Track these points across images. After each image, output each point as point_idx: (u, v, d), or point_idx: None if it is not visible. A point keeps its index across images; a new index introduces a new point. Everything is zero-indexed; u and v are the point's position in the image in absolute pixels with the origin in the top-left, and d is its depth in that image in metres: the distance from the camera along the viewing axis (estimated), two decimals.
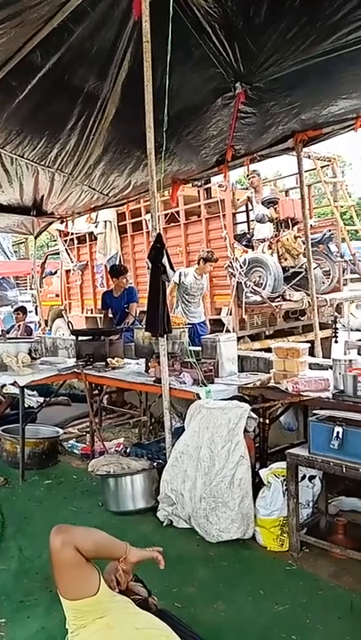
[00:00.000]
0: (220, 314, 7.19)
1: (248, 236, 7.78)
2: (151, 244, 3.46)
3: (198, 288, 6.04)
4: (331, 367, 3.25)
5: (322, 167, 7.69)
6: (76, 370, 4.66)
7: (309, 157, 7.33)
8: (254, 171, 7.43)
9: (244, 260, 6.81)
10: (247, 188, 8.61)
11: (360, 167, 32.96)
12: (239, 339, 6.59)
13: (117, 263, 8.27)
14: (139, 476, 3.44)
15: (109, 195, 6.08)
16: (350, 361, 3.05)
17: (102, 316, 6.73)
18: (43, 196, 6.19)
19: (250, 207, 8.05)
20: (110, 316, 6.24)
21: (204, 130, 4.35)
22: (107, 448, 4.48)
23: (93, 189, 5.77)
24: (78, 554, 1.60)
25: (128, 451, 4.15)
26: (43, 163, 4.82)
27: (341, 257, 7.48)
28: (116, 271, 6.28)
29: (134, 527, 3.27)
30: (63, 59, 3.29)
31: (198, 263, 5.95)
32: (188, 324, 5.70)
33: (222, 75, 3.53)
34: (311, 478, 3.02)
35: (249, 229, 8.17)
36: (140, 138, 3.32)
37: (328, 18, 2.84)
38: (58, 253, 11.29)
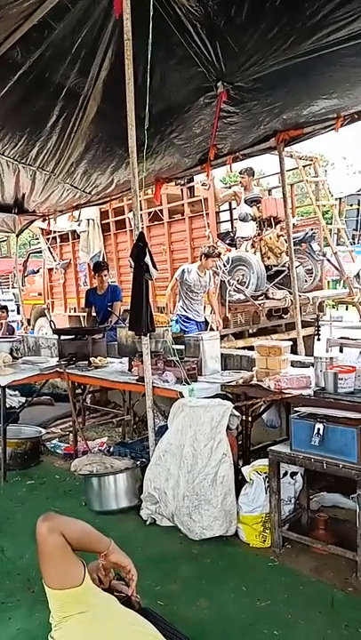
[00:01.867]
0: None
1: (231, 234, 7.81)
2: (134, 242, 3.46)
3: (202, 285, 5.78)
4: (312, 365, 3.28)
5: (304, 166, 7.75)
6: (58, 369, 4.63)
7: (292, 157, 7.38)
8: (247, 169, 7.46)
9: (228, 258, 6.83)
10: (230, 187, 8.64)
11: (342, 167, 33.29)
12: (223, 337, 6.61)
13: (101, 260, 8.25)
14: (122, 475, 3.44)
15: (92, 193, 6.05)
16: (331, 358, 3.09)
17: (86, 314, 6.70)
18: (24, 195, 6.13)
19: (233, 206, 8.08)
20: (94, 314, 6.22)
21: (187, 128, 4.35)
22: (90, 447, 4.47)
23: (76, 188, 5.73)
24: (65, 541, 1.61)
25: (111, 450, 4.14)
26: (24, 161, 4.77)
27: (323, 255, 7.55)
28: (96, 266, 6.28)
29: (117, 526, 3.26)
30: (44, 56, 3.25)
31: (200, 259, 5.72)
32: (193, 320, 5.70)
33: (204, 74, 3.53)
34: (293, 475, 3.05)
35: (232, 228, 8.21)
36: (123, 136, 3.31)
37: (308, 19, 2.86)
38: (40, 252, 11.19)
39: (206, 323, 6.00)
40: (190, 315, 5.77)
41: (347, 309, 11.99)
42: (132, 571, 1.85)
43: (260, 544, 2.94)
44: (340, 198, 13.64)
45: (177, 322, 5.68)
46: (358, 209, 15.19)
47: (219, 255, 5.98)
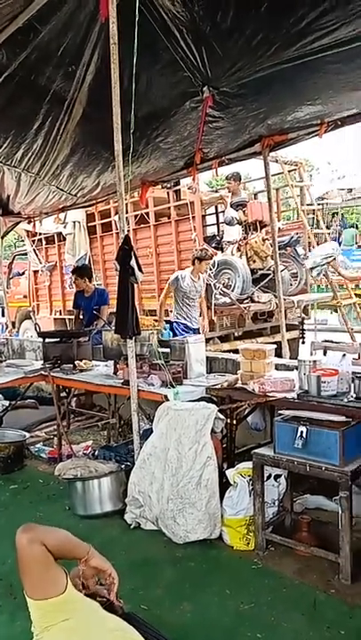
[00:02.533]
0: None
1: (218, 238, 7.84)
2: (119, 245, 3.46)
3: (197, 291, 5.71)
4: (296, 368, 3.31)
5: (289, 171, 7.82)
6: (42, 372, 4.61)
7: (277, 161, 7.45)
8: (234, 174, 7.50)
9: (214, 262, 6.85)
10: (216, 191, 8.68)
11: (327, 172, 33.69)
12: (209, 340, 6.63)
13: (87, 264, 8.20)
14: (106, 478, 3.43)
15: (78, 195, 6.03)
16: (314, 361, 3.12)
17: (74, 316, 6.67)
18: (9, 196, 6.09)
19: (220, 209, 8.12)
20: (82, 317, 6.20)
21: (173, 132, 4.37)
22: (74, 451, 4.44)
23: (61, 190, 5.71)
24: (46, 550, 1.59)
25: (96, 453, 4.13)
26: (8, 163, 4.75)
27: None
28: (76, 270, 6.30)
29: (101, 531, 3.25)
30: (29, 59, 3.25)
31: (193, 264, 5.62)
32: (190, 328, 5.60)
33: (190, 78, 3.55)
34: (277, 477, 3.07)
35: (219, 232, 8.24)
36: (109, 139, 3.31)
37: (293, 26, 2.89)
38: (26, 254, 11.11)
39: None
40: (188, 322, 5.66)
41: (331, 313, 12.10)
42: (113, 574, 1.84)
43: (243, 547, 2.95)
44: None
45: (174, 330, 5.52)
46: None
47: (211, 257, 5.92)
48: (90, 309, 5.92)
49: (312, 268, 6.86)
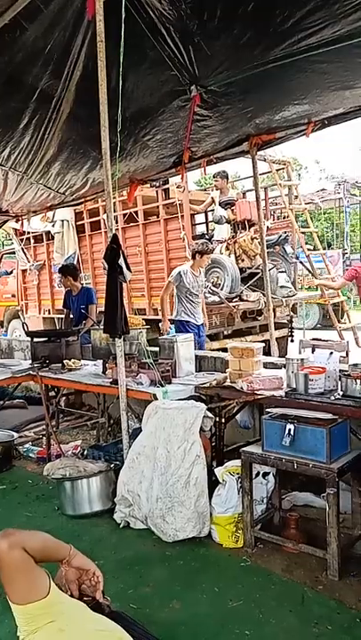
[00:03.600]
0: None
1: (207, 237, 7.85)
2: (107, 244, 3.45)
3: (199, 285, 5.55)
4: (285, 366, 3.33)
5: (277, 170, 7.85)
6: (31, 372, 4.58)
7: (265, 160, 7.47)
8: (220, 172, 7.51)
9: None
10: (205, 190, 8.69)
11: (315, 171, 33.91)
12: None
13: (73, 263, 8.16)
14: (95, 478, 3.42)
15: (66, 194, 6.00)
16: (302, 360, 3.14)
17: (64, 315, 6.65)
18: None
19: (209, 208, 8.13)
20: (72, 316, 6.18)
21: (161, 131, 4.36)
22: (63, 451, 4.42)
23: (49, 188, 5.68)
24: (26, 555, 1.58)
25: (85, 453, 4.12)
26: None
27: (297, 258, 7.66)
28: (60, 270, 6.29)
29: (90, 530, 3.25)
30: (16, 57, 3.22)
31: (193, 258, 5.47)
32: (195, 325, 5.46)
33: (178, 77, 3.55)
34: (265, 475, 3.08)
35: (208, 230, 8.25)
36: (96, 138, 3.30)
37: (279, 25, 2.90)
38: (14, 252, 11.04)
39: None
40: (192, 319, 5.50)
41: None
42: (97, 573, 1.83)
43: (232, 544, 2.96)
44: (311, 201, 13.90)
45: (180, 329, 5.41)
46: None
47: (212, 251, 5.79)
48: (77, 308, 5.91)
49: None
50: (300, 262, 7.83)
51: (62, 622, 1.58)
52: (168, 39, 3.15)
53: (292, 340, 7.46)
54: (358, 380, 2.82)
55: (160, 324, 5.79)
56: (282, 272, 7.33)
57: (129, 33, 2.91)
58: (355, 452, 2.79)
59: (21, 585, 1.58)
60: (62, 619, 1.60)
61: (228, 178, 7.74)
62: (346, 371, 2.97)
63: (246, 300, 6.88)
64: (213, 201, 7.66)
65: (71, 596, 1.75)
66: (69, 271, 6.09)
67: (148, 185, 6.56)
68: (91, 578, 1.82)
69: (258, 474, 3.05)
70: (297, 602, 2.44)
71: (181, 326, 5.49)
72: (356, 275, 6.15)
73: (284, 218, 8.23)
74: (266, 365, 3.83)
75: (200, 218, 8.73)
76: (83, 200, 6.55)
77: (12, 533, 1.65)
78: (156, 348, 4.23)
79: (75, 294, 6.03)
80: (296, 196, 8.15)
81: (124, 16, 2.77)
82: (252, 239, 7.08)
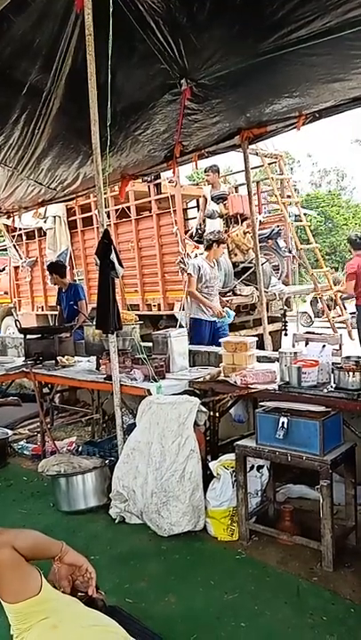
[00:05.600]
0: (172, 309, 7.23)
1: (199, 231, 7.84)
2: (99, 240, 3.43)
3: (215, 278, 5.41)
4: (278, 360, 3.34)
5: (269, 164, 7.84)
6: (24, 369, 4.56)
7: (257, 154, 7.46)
8: (212, 166, 7.48)
9: (196, 255, 6.86)
10: (197, 184, 8.66)
11: (308, 164, 33.90)
12: None
13: (60, 260, 8.12)
14: (90, 474, 3.42)
15: (57, 189, 5.97)
16: (295, 353, 3.14)
17: (57, 312, 6.65)
18: None
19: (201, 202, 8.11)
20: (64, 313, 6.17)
21: (152, 125, 4.34)
22: (58, 447, 4.42)
23: (40, 184, 5.64)
24: (17, 554, 1.58)
25: (80, 449, 4.11)
26: None
27: (289, 252, 7.67)
28: (48, 267, 6.28)
29: (86, 526, 3.25)
30: (4, 51, 3.19)
31: (208, 249, 5.34)
32: (206, 321, 5.28)
33: (168, 71, 3.53)
34: (259, 468, 3.09)
35: (200, 225, 8.23)
36: (87, 132, 3.28)
37: (269, 17, 2.89)
38: (5, 249, 10.97)
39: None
40: (204, 316, 5.30)
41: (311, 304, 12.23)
42: (89, 568, 1.83)
43: (228, 538, 2.98)
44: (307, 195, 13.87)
45: (193, 327, 5.24)
46: None
47: (226, 240, 5.64)
48: (67, 305, 5.90)
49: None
50: (294, 256, 7.84)
51: (55, 619, 1.58)
52: (157, 32, 3.13)
53: (285, 334, 7.47)
54: (351, 373, 2.83)
55: (210, 314, 5.31)
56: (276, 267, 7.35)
57: (118, 26, 2.89)
58: (348, 444, 2.80)
59: (12, 583, 1.57)
60: (55, 615, 1.59)
61: (219, 172, 7.72)
62: (338, 363, 2.98)
63: (240, 295, 6.88)
64: (206, 199, 7.64)
65: (64, 592, 1.75)
66: (55, 268, 6.09)
67: (140, 180, 6.53)
68: (84, 574, 1.81)
69: (252, 467, 3.06)
70: (292, 593, 2.46)
71: (196, 325, 5.32)
72: (357, 270, 6.22)
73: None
74: (259, 359, 3.84)
75: (193, 213, 8.71)
76: (74, 196, 6.52)
77: (0, 532, 1.64)
78: (150, 344, 4.23)
79: (64, 291, 6.02)
80: (296, 190, 8.15)
81: (111, 9, 2.75)
82: (245, 233, 7.07)
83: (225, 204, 7.32)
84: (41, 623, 1.56)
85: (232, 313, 5.34)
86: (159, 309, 7.45)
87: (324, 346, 3.13)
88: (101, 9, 2.82)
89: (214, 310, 5.27)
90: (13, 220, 7.80)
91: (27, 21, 3.00)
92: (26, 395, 6.08)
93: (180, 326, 5.60)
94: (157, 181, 7.37)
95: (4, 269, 11.33)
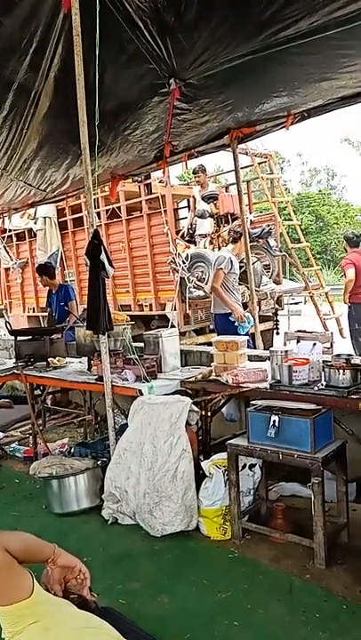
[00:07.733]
0: (164, 309, 7.23)
1: (190, 231, 7.84)
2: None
3: (238, 273, 5.29)
4: (269, 358, 3.34)
5: (259, 163, 7.86)
6: (15, 371, 4.54)
7: (247, 154, 7.47)
8: (200, 167, 7.48)
9: (187, 255, 6.87)
10: (188, 184, 8.66)
11: (298, 164, 34.01)
12: (184, 333, 6.64)
13: (49, 261, 8.09)
14: (82, 475, 3.41)
15: (47, 190, 5.94)
16: (286, 351, 3.15)
17: (47, 314, 6.61)
18: None
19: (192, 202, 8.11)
20: (54, 314, 6.14)
21: (141, 125, 4.33)
22: (50, 449, 4.40)
23: (30, 185, 5.61)
24: (9, 556, 1.56)
25: (72, 451, 4.10)
26: None
27: (280, 251, 7.69)
28: (37, 269, 6.27)
29: (79, 527, 3.24)
30: None
31: (235, 242, 5.22)
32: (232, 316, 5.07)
33: (156, 71, 3.52)
34: (251, 467, 3.10)
35: (191, 225, 8.23)
36: (76, 133, 3.26)
37: (256, 16, 2.90)
38: None
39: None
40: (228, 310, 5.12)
41: (305, 303, 12.29)
42: (83, 569, 1.82)
43: (220, 537, 2.98)
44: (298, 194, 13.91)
45: (217, 324, 5.15)
46: None
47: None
48: (58, 306, 5.88)
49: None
50: (285, 255, 7.87)
51: (47, 621, 1.57)
52: (145, 32, 3.12)
53: (277, 333, 7.50)
54: (341, 371, 2.85)
55: (231, 317, 5.09)
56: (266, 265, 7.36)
57: (106, 26, 2.88)
58: (338, 442, 2.82)
59: (4, 586, 1.55)
60: (47, 618, 1.58)
61: (206, 171, 7.74)
62: (329, 361, 2.99)
63: None
64: (195, 199, 7.64)
65: (57, 595, 1.74)
66: (44, 270, 6.09)
67: (130, 180, 6.52)
68: (77, 576, 1.80)
69: (244, 466, 3.07)
70: (285, 591, 2.46)
71: (220, 320, 5.18)
72: (356, 263, 6.25)
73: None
74: (251, 358, 3.85)
75: (183, 212, 8.71)
76: (64, 196, 6.50)
77: None
78: (142, 344, 4.22)
79: (54, 292, 6.00)
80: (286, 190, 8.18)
81: (98, 9, 2.74)
82: None
83: (215, 204, 7.33)
84: (33, 626, 1.55)
85: (252, 319, 5.14)
86: (151, 309, 7.45)
87: (314, 344, 3.14)
88: (89, 8, 2.81)
89: (236, 313, 5.04)
90: (3, 222, 7.75)
91: (15, 21, 2.98)
92: (17, 397, 6.05)
93: (172, 326, 5.60)
94: (148, 181, 7.36)
95: None
